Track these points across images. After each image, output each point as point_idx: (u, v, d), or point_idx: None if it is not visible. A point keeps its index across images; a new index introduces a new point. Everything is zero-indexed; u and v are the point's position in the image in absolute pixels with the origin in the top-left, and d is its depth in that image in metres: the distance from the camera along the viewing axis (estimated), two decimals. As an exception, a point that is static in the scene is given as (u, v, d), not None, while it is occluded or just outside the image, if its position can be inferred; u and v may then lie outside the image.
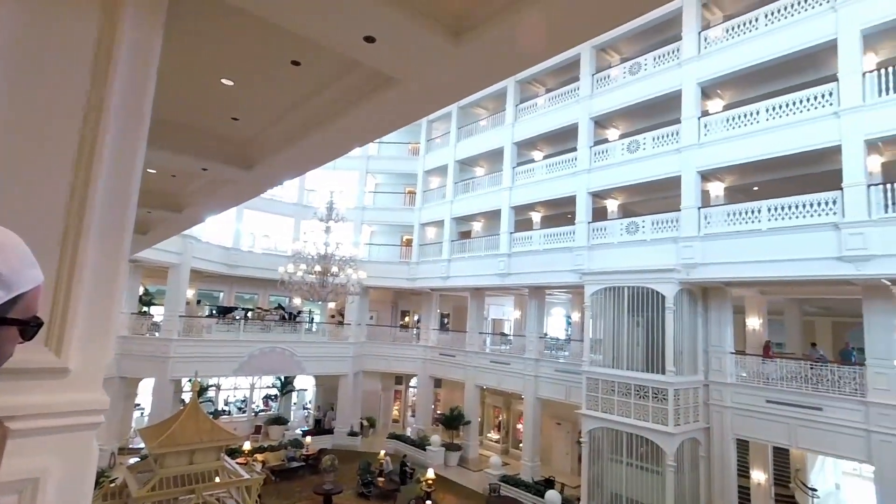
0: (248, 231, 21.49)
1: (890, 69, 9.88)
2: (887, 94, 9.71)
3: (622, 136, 15.31)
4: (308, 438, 17.63)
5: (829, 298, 14.96)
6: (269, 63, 3.37)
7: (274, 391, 22.06)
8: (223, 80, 3.68)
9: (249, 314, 20.50)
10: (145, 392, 18.42)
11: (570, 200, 15.55)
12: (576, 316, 20.75)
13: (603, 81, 15.36)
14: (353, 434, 19.76)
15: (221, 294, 22.02)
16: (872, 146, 10.13)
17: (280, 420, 20.44)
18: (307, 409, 23.46)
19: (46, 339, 1.49)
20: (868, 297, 10.28)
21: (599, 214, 15.38)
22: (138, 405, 18.72)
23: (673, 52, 13.49)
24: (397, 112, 3.65)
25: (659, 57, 13.85)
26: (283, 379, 21.39)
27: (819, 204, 10.39)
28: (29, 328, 0.87)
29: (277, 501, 13.78)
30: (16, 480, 1.33)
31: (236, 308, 20.54)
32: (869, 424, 9.83)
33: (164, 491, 5.26)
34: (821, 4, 10.81)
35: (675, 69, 13.24)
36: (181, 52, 3.15)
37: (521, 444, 17.76)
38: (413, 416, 22.21)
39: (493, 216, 19.07)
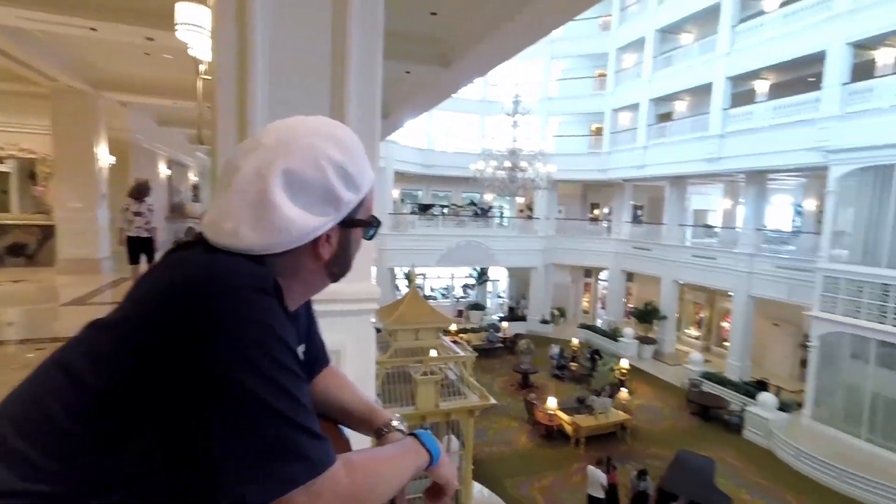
0: (438, 132, 22.45)
1: None
2: None
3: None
4: (504, 324, 19.16)
5: None
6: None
7: (471, 281, 24.10)
8: (422, -26, 3.59)
9: (445, 210, 22.12)
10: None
11: (816, 59, 12.19)
12: (809, 204, 17.29)
13: None
14: (544, 322, 20.78)
15: (419, 193, 24.05)
16: None
17: (478, 306, 22.44)
18: (501, 297, 25.21)
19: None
20: None
21: (862, 72, 11.77)
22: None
23: None
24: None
25: None
26: (478, 270, 23.11)
27: None
28: (371, 228, 0.86)
29: (482, 375, 15.61)
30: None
31: (434, 205, 22.31)
32: None
33: (399, 359, 6.36)
34: None
35: None
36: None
37: (725, 343, 16.48)
38: (603, 308, 22.18)
39: (700, 93, 16.24)
